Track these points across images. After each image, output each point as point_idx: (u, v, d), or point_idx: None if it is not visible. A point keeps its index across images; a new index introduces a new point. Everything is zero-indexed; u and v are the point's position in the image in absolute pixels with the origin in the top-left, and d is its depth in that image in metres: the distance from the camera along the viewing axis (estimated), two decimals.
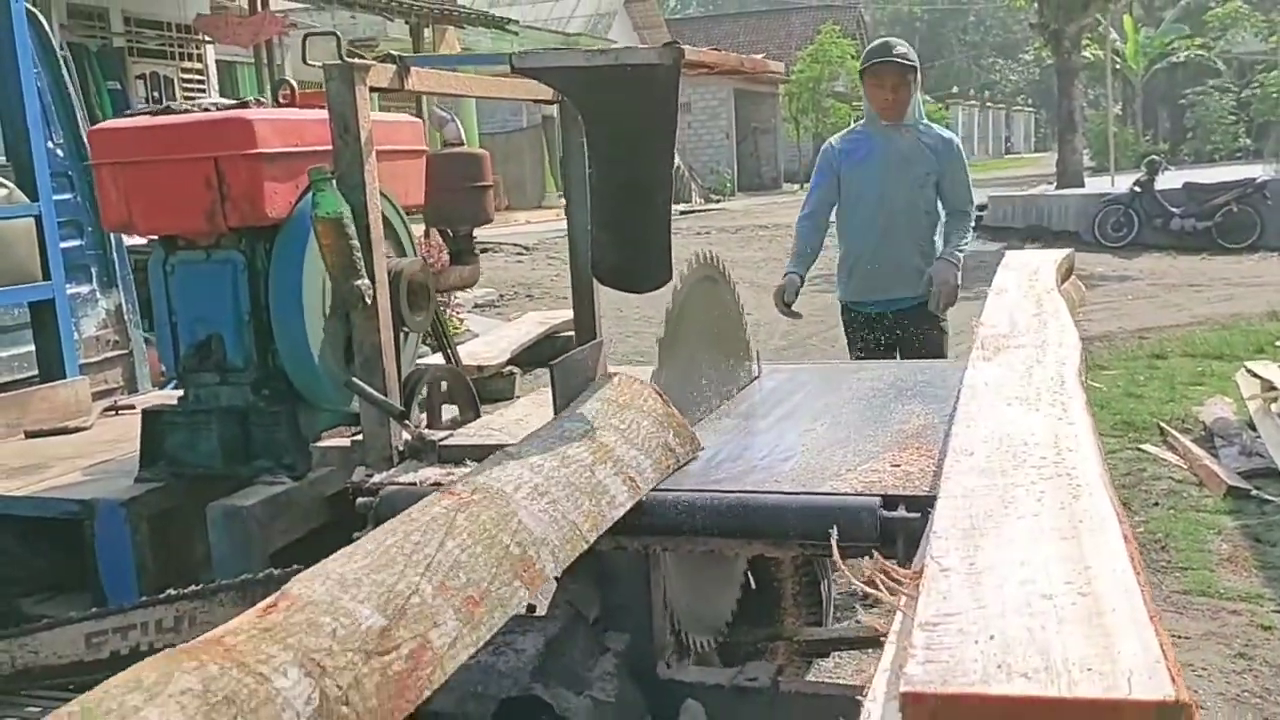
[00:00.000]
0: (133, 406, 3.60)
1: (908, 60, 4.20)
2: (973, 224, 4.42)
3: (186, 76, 12.65)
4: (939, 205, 4.33)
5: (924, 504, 1.90)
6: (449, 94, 2.60)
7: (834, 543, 1.64)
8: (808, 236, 4.37)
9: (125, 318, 4.08)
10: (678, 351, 2.41)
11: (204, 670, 1.09)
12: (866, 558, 1.35)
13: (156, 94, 11.78)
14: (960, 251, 4.32)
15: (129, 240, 4.20)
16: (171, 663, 1.11)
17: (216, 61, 13.17)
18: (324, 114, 2.29)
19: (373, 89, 2.24)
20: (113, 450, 3.07)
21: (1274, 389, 6.35)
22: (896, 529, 1.88)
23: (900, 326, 4.27)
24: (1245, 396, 6.46)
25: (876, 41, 4.42)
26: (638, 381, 2.25)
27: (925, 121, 4.40)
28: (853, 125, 4.60)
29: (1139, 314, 10.13)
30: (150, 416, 2.76)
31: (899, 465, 2.12)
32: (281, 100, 2.79)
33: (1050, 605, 0.98)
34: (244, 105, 2.70)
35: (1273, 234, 14.30)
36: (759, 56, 2.75)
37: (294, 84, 2.80)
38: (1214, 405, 6.49)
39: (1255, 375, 6.82)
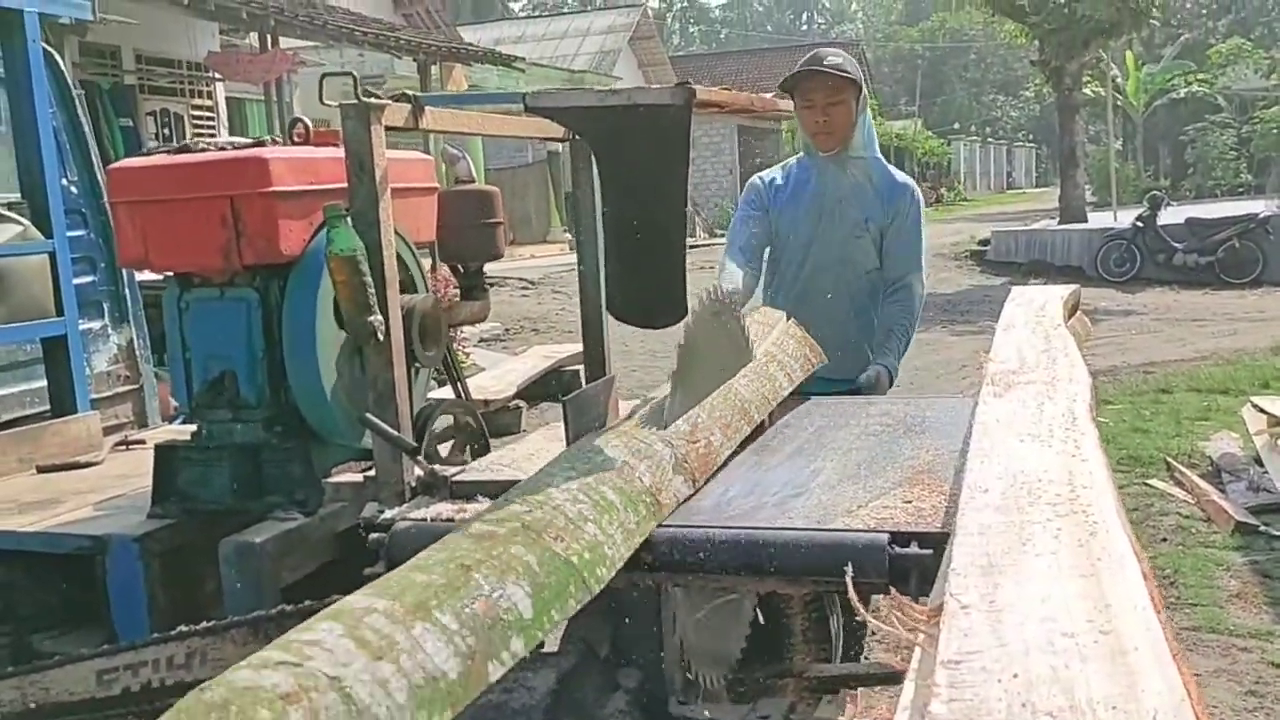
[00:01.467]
0: (143, 441, 3.61)
1: (842, 71, 3.23)
2: (920, 304, 3.43)
3: (197, 113, 12.77)
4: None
5: (936, 540, 1.91)
6: (462, 133, 2.63)
7: (849, 580, 1.64)
8: (733, 274, 3.32)
9: (136, 353, 4.10)
10: (689, 385, 2.42)
11: None
12: (882, 595, 1.35)
13: (167, 130, 11.89)
14: (901, 355, 3.41)
15: (140, 276, 4.23)
16: None
17: (226, 98, 13.30)
18: (338, 152, 2.32)
19: (388, 128, 2.26)
20: (124, 485, 3.08)
21: None
22: (910, 566, 1.88)
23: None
24: (1252, 431, 6.46)
25: (808, 54, 3.37)
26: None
27: (878, 156, 3.46)
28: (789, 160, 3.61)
29: (1143, 349, 10.15)
30: (163, 452, 2.77)
31: (911, 501, 2.12)
32: (296, 139, 2.82)
33: (1073, 643, 0.98)
34: (260, 144, 2.73)
35: (1275, 269, 14.36)
36: (768, 95, 2.79)
37: (308, 122, 2.83)
38: (1220, 440, 6.49)
39: (1261, 410, 6.82)
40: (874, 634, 3.07)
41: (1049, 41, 18.00)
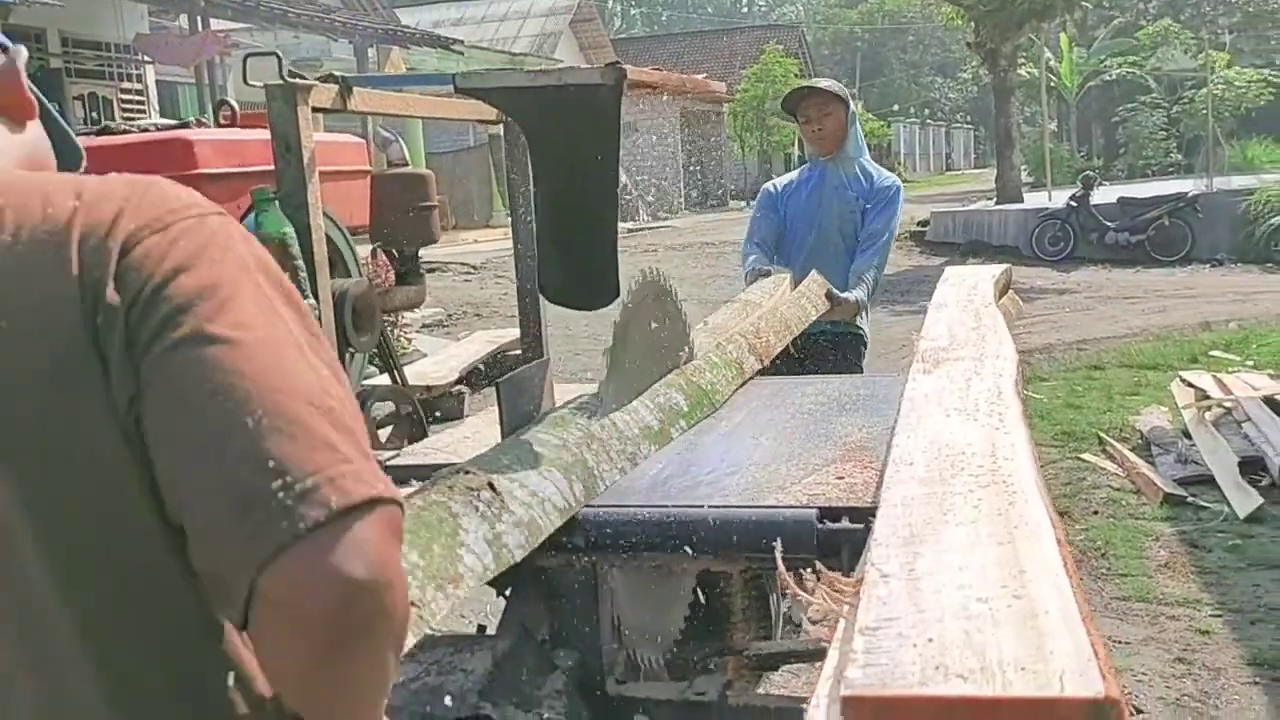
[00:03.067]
0: None
1: (831, 89, 4.14)
2: (885, 253, 4.18)
3: (126, 97, 12.49)
4: None
5: (866, 515, 1.94)
6: (392, 114, 2.61)
7: (778, 555, 1.66)
8: (757, 258, 4.19)
9: None
10: (625, 365, 2.43)
11: None
12: (810, 569, 1.37)
13: (95, 115, 11.61)
14: (871, 292, 4.10)
15: None
16: None
17: (157, 82, 13.02)
18: (266, 134, 2.29)
19: (315, 109, 2.24)
20: None
21: (1207, 398, 6.52)
22: (841, 540, 1.91)
23: (817, 345, 4.01)
24: (1180, 406, 6.62)
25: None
26: None
27: (868, 160, 4.28)
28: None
29: (1077, 326, 10.34)
30: None
31: (843, 478, 2.15)
32: (223, 121, 2.78)
33: (986, 609, 1.01)
34: (185, 126, 2.68)
35: (1204, 247, 14.69)
36: (701, 76, 2.79)
37: (235, 104, 2.79)
38: (1150, 415, 6.64)
39: (1189, 385, 6.99)
40: (805, 608, 3.43)
41: (984, 23, 18.22)
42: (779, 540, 1.73)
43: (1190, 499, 5.17)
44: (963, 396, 1.92)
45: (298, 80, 2.19)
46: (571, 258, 2.26)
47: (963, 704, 0.86)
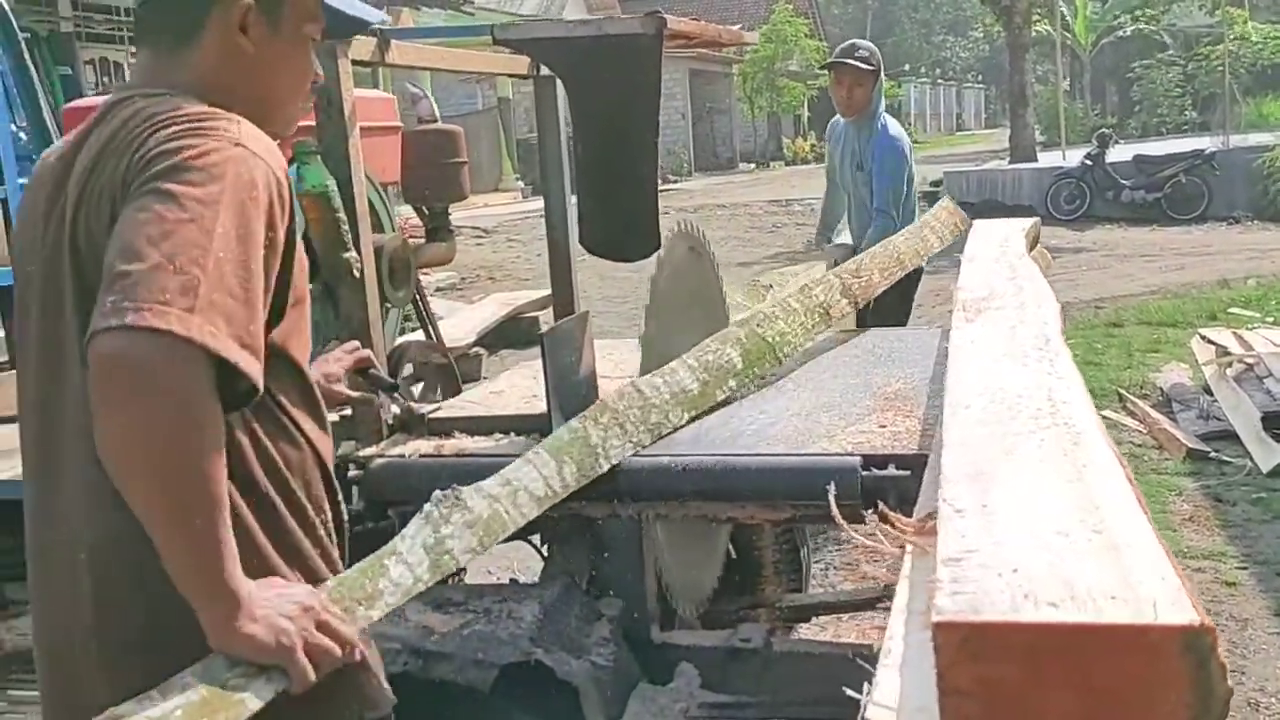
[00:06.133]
0: None
1: (865, 64, 4.52)
2: (891, 230, 4.31)
3: (135, 61, 12.42)
4: None
5: (913, 462, 1.95)
6: (429, 68, 2.59)
7: (832, 499, 1.67)
8: (828, 207, 5.03)
9: None
10: (662, 319, 2.43)
11: None
12: (872, 510, 1.38)
13: (107, 79, 11.57)
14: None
15: None
16: None
17: None
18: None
19: (354, 62, 2.23)
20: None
21: (1228, 354, 6.50)
22: (887, 487, 1.92)
23: None
24: (1200, 362, 6.60)
25: (846, 43, 4.79)
26: None
27: (883, 118, 4.66)
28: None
29: (1094, 284, 10.29)
30: None
31: (885, 426, 2.16)
32: None
33: (1066, 542, 1.01)
34: None
35: (1220, 204, 14.58)
36: (736, 28, 2.77)
37: None
38: (1170, 371, 6.63)
39: (1209, 341, 6.97)
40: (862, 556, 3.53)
41: None
42: (832, 485, 1.73)
43: (1213, 454, 5.17)
44: (1010, 344, 1.92)
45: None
46: (612, 209, 2.26)
47: (1055, 630, 0.86)
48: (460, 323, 8.41)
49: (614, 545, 2.24)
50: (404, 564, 1.44)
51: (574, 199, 2.75)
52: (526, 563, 3.98)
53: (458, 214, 3.33)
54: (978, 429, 1.41)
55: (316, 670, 1.25)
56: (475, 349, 7.83)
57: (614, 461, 1.98)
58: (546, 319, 3.20)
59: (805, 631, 3.36)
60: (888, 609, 2.98)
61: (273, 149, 1.36)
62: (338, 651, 1.28)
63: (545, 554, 2.52)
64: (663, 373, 2.23)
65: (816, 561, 3.94)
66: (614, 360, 2.94)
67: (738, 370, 2.33)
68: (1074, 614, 0.87)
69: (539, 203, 3.29)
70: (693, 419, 2.21)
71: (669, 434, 2.13)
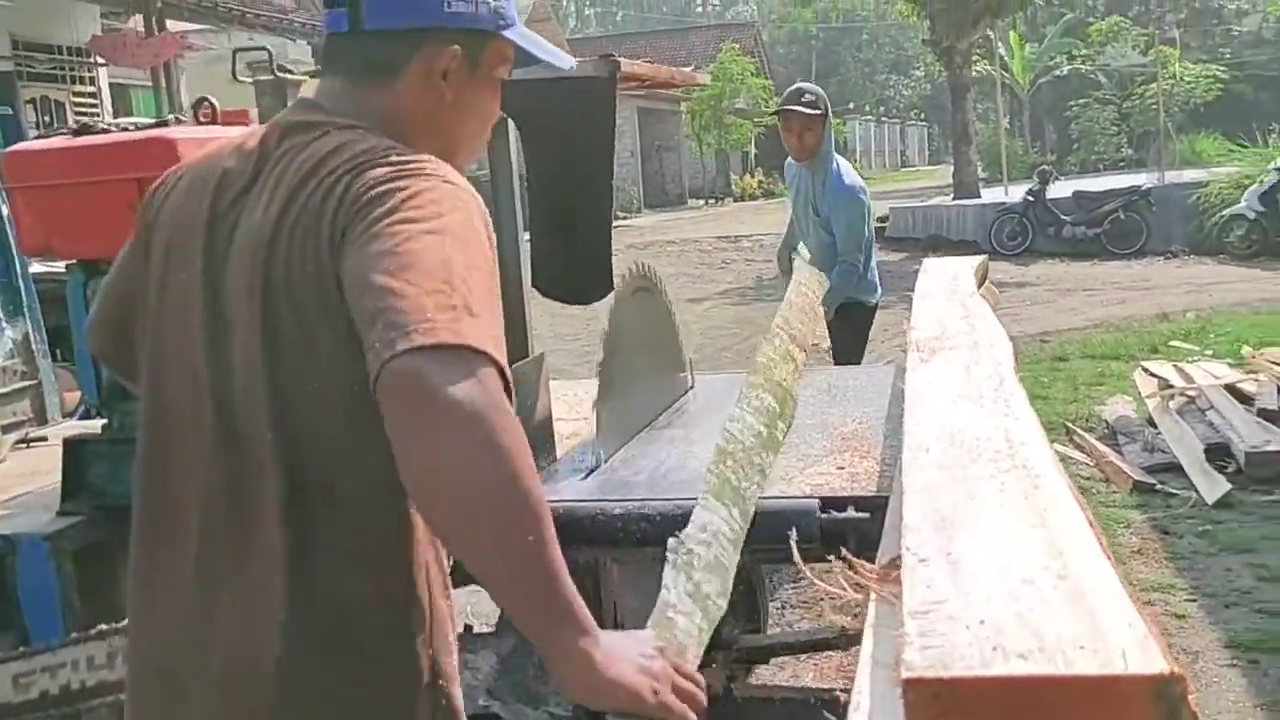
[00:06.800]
0: (45, 438, 3.47)
1: (812, 109, 4.61)
2: (854, 278, 4.66)
3: (79, 100, 12.26)
4: None
5: (871, 504, 1.95)
6: None
7: (794, 544, 1.66)
8: (791, 230, 5.09)
9: (33, 347, 3.93)
10: (618, 362, 2.42)
11: None
12: (836, 557, 1.37)
13: (49, 119, 11.39)
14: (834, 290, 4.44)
15: (33, 268, 4.06)
16: None
17: (110, 85, 12.81)
18: (248, 131, 2.25)
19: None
20: (29, 483, 2.96)
21: (1170, 387, 6.61)
22: (846, 529, 1.91)
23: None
24: (1144, 395, 6.71)
25: (792, 87, 4.87)
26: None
27: (835, 163, 4.71)
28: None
29: (1038, 318, 10.46)
30: (72, 446, 2.66)
31: (844, 467, 2.16)
32: (202, 118, 2.73)
33: (1032, 590, 1.01)
34: (164, 124, 2.63)
35: (1158, 239, 14.92)
36: (688, 69, 2.78)
37: (214, 101, 2.74)
38: (1115, 404, 6.73)
39: (1151, 374, 7.10)
40: (823, 597, 3.52)
41: (940, 20, 18.37)
42: (794, 531, 1.72)
43: (1159, 486, 5.24)
44: (965, 384, 1.93)
45: (287, 75, 2.16)
46: (566, 251, 2.25)
47: (1026, 683, 0.86)
48: None
49: None
50: (682, 614, 1.37)
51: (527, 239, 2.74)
52: (480, 608, 3.93)
53: None
54: (938, 473, 1.41)
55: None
56: None
57: (753, 504, 1.89)
58: None
59: (762, 672, 3.35)
60: (843, 649, 2.98)
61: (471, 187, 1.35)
62: (704, 698, 1.19)
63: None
64: (738, 418, 2.11)
65: (773, 600, 3.93)
66: (567, 402, 2.92)
67: (779, 413, 2.27)
68: (1044, 665, 0.86)
69: None
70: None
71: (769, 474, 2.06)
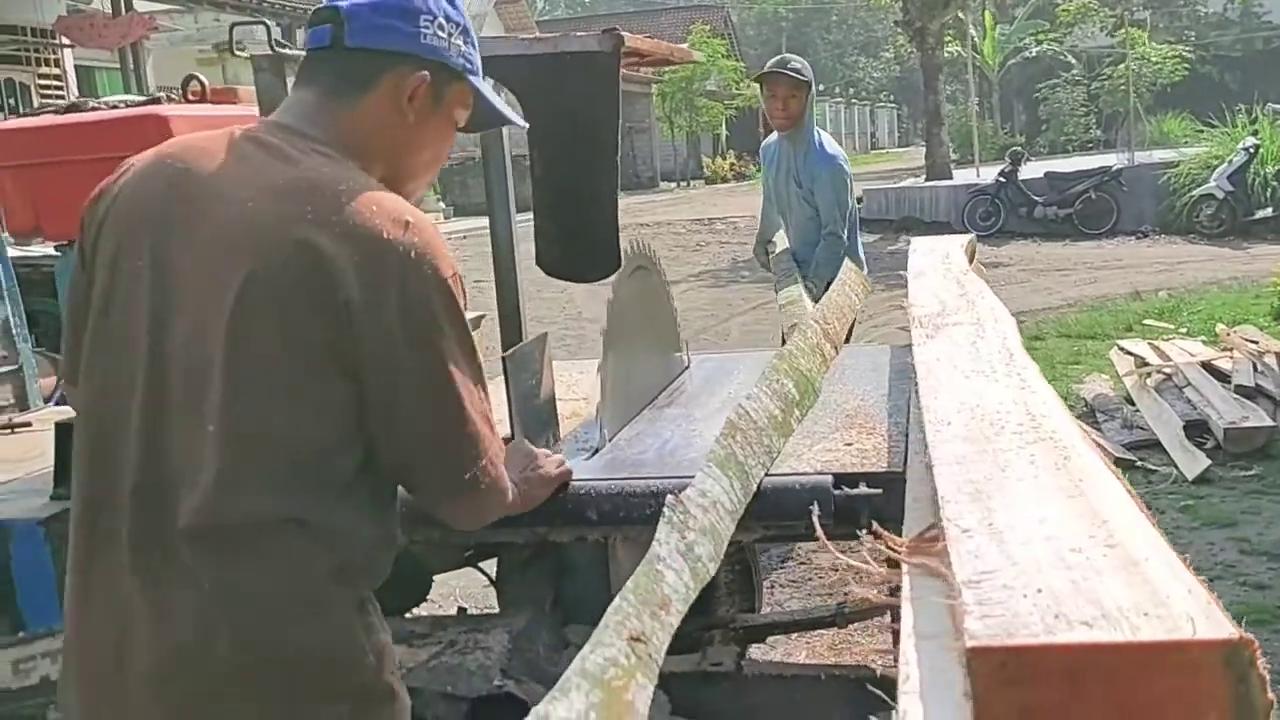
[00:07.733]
0: (29, 424, 3.41)
1: (799, 75, 4.53)
2: (840, 250, 4.56)
3: (44, 82, 12.07)
4: None
5: (883, 480, 1.94)
6: None
7: (815, 519, 1.66)
8: (764, 222, 5.01)
9: (13, 332, 3.86)
10: (620, 341, 2.40)
11: None
12: (865, 530, 1.36)
13: (13, 101, 11.21)
14: (824, 286, 4.17)
15: (11, 252, 3.99)
16: None
17: (76, 66, 12.60)
18: (239, 109, 2.22)
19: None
20: (16, 469, 2.90)
21: (1146, 365, 6.68)
22: (860, 505, 1.91)
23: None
24: (1121, 373, 6.77)
25: (777, 57, 4.80)
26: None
27: (816, 134, 4.67)
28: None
29: (1013, 299, 10.49)
30: (65, 430, 2.61)
31: (851, 444, 2.16)
32: (191, 96, 2.68)
33: (1083, 558, 1.00)
34: (154, 101, 2.58)
35: (1129, 219, 15.05)
36: (684, 46, 2.77)
37: (204, 79, 2.69)
38: (1093, 383, 6.79)
39: (1127, 353, 7.16)
40: (851, 572, 3.49)
41: (913, 2, 18.41)
42: (815, 505, 1.72)
43: (1139, 463, 5.29)
44: (974, 359, 1.93)
45: (285, 51, 2.12)
46: (571, 230, 2.23)
47: (1093, 651, 0.85)
48: None
49: (579, 570, 2.20)
50: (672, 570, 1.36)
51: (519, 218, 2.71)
52: (469, 590, 3.91)
53: None
54: (964, 445, 1.41)
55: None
56: None
57: (757, 481, 1.87)
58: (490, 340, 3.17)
59: (756, 651, 3.35)
60: (840, 627, 2.99)
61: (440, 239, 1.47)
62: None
63: (495, 580, 2.47)
64: (755, 397, 2.07)
65: (765, 580, 3.94)
66: (565, 383, 2.90)
67: (797, 400, 2.21)
68: (1109, 633, 0.86)
69: (461, 223, 3.24)
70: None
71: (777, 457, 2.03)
